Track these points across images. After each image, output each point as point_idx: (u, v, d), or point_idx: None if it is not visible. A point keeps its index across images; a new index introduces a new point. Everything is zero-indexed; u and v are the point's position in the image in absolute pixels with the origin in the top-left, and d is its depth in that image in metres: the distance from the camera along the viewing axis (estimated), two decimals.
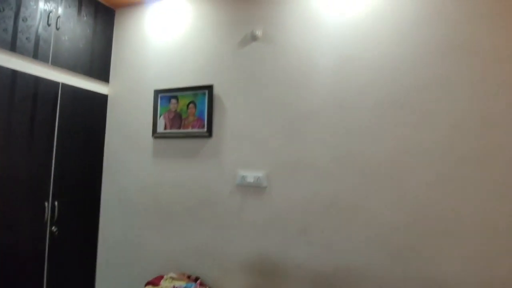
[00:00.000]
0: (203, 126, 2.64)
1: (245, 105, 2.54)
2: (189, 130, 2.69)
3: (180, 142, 2.75)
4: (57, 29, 2.62)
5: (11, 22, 2.31)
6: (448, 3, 2.04)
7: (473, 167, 1.91)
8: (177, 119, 2.75)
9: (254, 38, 2.52)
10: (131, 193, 2.91)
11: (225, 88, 2.61)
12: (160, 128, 2.81)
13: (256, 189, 2.45)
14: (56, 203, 2.60)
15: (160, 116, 2.82)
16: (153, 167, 2.84)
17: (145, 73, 2.96)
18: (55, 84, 2.61)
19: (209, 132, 2.62)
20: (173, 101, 2.77)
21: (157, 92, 2.83)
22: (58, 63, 2.62)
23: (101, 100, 3.06)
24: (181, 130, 2.72)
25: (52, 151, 2.58)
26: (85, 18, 2.88)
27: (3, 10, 2.26)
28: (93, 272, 2.99)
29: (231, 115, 2.58)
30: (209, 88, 2.63)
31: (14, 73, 2.33)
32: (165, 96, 2.80)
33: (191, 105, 2.70)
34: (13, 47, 2.31)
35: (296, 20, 2.43)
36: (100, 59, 3.04)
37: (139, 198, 2.88)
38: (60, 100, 2.64)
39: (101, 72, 3.05)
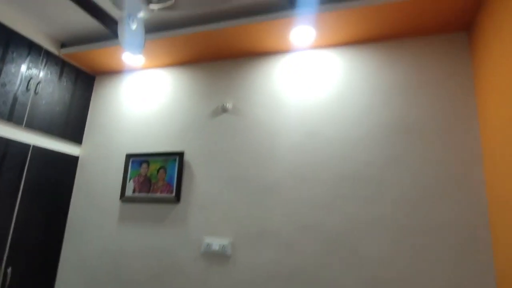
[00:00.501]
0: (172, 192, 2.68)
1: (213, 173, 2.63)
2: (158, 194, 2.72)
3: (148, 207, 2.75)
4: (36, 93, 2.73)
5: None
6: (395, 92, 2.33)
7: (422, 238, 2.03)
8: (146, 183, 2.79)
9: (224, 110, 2.71)
10: (93, 258, 2.81)
11: (195, 155, 2.72)
12: (129, 192, 2.82)
13: (220, 257, 2.44)
14: (9, 269, 2.46)
15: (129, 180, 2.85)
16: (118, 231, 2.79)
17: (118, 137, 3.05)
18: (25, 146, 2.63)
19: (177, 198, 2.65)
20: (144, 165, 2.83)
21: (129, 156, 2.89)
22: (32, 125, 2.68)
23: (71, 162, 3.08)
24: (150, 194, 2.74)
25: (13, 213, 2.52)
26: (65, 83, 3.01)
27: None
28: None
29: (199, 181, 2.65)
30: (180, 154, 2.73)
31: None
32: (136, 160, 2.87)
33: (161, 170, 2.76)
34: None
35: (263, 98, 2.65)
36: (75, 121, 3.12)
37: (100, 264, 2.77)
38: (28, 162, 2.65)
39: (75, 134, 3.12)
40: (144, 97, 3.07)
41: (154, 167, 2.79)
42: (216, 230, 2.50)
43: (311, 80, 2.56)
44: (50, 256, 2.85)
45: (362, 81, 2.43)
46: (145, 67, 3.13)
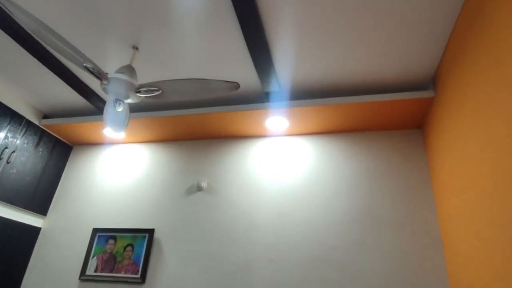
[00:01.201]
0: (137, 272, 2.55)
1: (184, 252, 2.56)
2: (122, 274, 2.57)
3: None
4: (8, 162, 2.69)
5: None
6: (359, 181, 2.51)
7: None
8: (111, 262, 2.65)
9: (199, 188, 2.76)
10: None
11: (167, 233, 2.67)
12: (90, 270, 2.66)
13: None
14: None
15: (93, 257, 2.70)
16: None
17: (87, 210, 2.96)
18: None
19: (143, 279, 2.52)
20: (111, 241, 2.72)
21: (95, 231, 2.79)
22: None
23: (32, 234, 2.91)
24: (113, 274, 2.59)
25: None
26: (40, 152, 3.00)
27: None
28: None
29: (168, 261, 2.56)
30: (150, 232, 2.67)
31: None
32: (103, 235, 2.76)
33: (128, 248, 2.66)
34: None
35: (238, 179, 2.75)
36: (44, 192, 3.04)
37: None
38: None
39: (41, 205, 3.00)
40: (120, 170, 3.09)
41: (121, 243, 2.69)
42: None
43: (284, 164, 2.72)
44: None
45: (330, 168, 2.61)
46: (124, 142, 3.21)
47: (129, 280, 2.54)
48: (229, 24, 1.95)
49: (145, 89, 1.90)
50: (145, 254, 2.60)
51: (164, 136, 3.04)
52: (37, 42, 2.24)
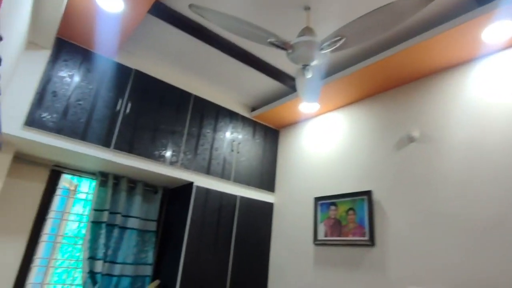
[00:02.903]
0: (364, 234, 2.52)
1: (408, 212, 2.32)
2: (350, 238, 2.61)
3: (341, 250, 2.67)
4: (237, 153, 3.29)
5: (208, 153, 3.07)
6: None
7: None
8: (336, 226, 2.74)
9: (411, 139, 2.44)
10: None
11: (385, 193, 2.51)
12: (321, 235, 2.85)
13: None
14: None
15: (320, 223, 2.89)
16: (314, 276, 2.79)
17: (305, 182, 3.21)
18: (234, 197, 3.14)
19: (371, 241, 2.46)
20: (332, 207, 2.83)
21: (316, 200, 2.98)
22: (237, 179, 3.21)
23: (268, 209, 3.43)
24: (341, 238, 2.67)
25: (229, 257, 2.96)
26: (257, 140, 3.52)
27: (203, 145, 3.07)
28: None
29: (394, 222, 2.39)
30: (368, 193, 2.58)
31: (207, 191, 2.97)
32: (324, 203, 2.91)
33: (350, 212, 2.68)
34: (208, 171, 3.02)
35: (456, 117, 2.24)
36: (268, 172, 3.53)
37: None
38: (237, 211, 3.13)
39: (269, 183, 3.51)
40: (323, 141, 3.18)
41: (342, 208, 2.75)
42: (422, 279, 2.12)
43: None
44: None
45: None
46: (320, 113, 3.30)
47: (358, 242, 2.54)
48: None
49: (327, 42, 1.83)
50: (368, 216, 2.53)
51: (358, 94, 2.90)
52: (235, 45, 2.61)
